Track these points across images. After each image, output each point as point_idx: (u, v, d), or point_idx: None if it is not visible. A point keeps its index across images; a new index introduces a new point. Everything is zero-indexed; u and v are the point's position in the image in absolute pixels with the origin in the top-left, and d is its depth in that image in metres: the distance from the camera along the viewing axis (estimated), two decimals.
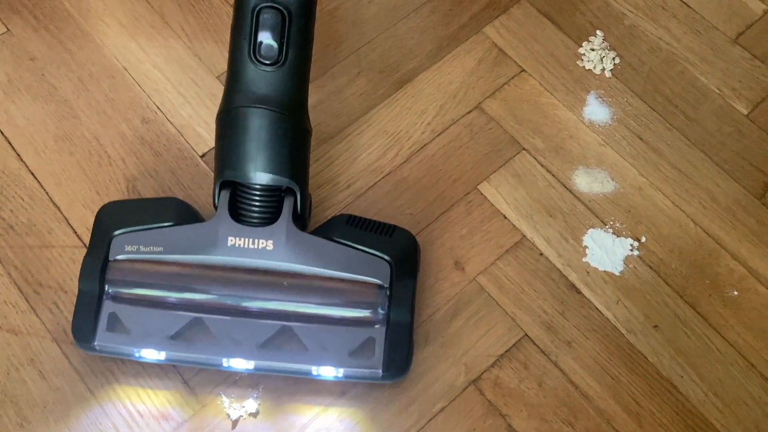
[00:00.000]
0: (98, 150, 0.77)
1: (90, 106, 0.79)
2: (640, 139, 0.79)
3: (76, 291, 0.70)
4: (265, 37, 0.64)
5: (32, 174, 0.75)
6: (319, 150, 0.78)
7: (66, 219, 0.73)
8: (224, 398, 0.65)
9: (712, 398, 0.67)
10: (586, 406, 0.67)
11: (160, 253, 0.65)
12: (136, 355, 0.65)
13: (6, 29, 0.82)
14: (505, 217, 0.75)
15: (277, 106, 0.64)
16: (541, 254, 0.73)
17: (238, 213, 0.66)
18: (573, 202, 0.76)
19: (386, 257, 0.65)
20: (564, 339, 0.69)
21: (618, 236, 0.74)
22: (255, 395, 0.65)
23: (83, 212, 0.73)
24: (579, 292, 0.71)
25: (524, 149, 0.78)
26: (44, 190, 0.75)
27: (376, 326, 0.65)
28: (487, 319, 0.70)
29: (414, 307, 0.65)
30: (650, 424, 0.66)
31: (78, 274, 0.70)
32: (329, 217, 0.70)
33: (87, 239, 0.72)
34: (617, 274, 0.72)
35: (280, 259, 0.64)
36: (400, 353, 0.64)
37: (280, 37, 0.64)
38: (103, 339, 0.64)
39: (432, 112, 0.80)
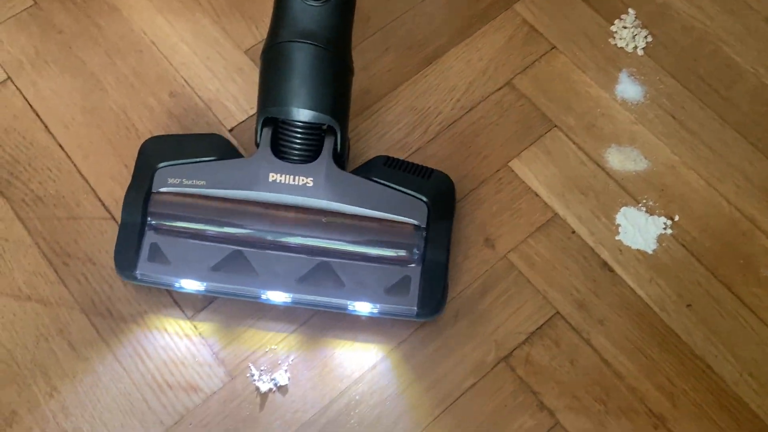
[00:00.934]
0: (126, 123, 0.76)
1: (117, 79, 0.78)
2: (673, 117, 0.78)
3: (104, 263, 0.70)
4: None
5: (60, 146, 0.75)
6: (348, 126, 0.77)
7: (94, 191, 0.73)
8: (253, 370, 0.65)
9: (747, 378, 0.66)
10: (619, 384, 0.66)
11: (202, 186, 0.66)
12: (176, 285, 0.66)
13: (34, 2, 0.82)
14: (537, 195, 0.74)
15: (322, 42, 0.64)
16: (573, 232, 0.72)
17: (279, 149, 0.66)
18: (605, 180, 0.75)
19: (423, 198, 0.66)
20: (596, 317, 0.68)
21: (651, 214, 0.73)
22: (285, 368, 0.65)
23: (111, 184, 0.73)
24: (611, 270, 0.70)
25: (556, 126, 0.77)
26: (72, 162, 0.74)
27: (412, 265, 0.65)
28: (517, 296, 0.69)
29: (450, 248, 0.66)
30: (684, 403, 0.65)
31: (107, 246, 0.70)
32: (367, 160, 0.70)
33: (115, 211, 0.72)
34: (650, 252, 0.71)
35: (319, 197, 0.65)
36: (434, 292, 0.65)
37: None
38: (144, 268, 0.65)
39: (461, 88, 0.79)
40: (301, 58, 0.64)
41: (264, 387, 0.64)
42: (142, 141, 0.76)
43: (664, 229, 0.72)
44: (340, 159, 0.67)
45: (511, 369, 0.66)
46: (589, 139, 0.76)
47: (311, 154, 0.66)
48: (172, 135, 0.72)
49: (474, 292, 0.69)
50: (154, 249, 0.66)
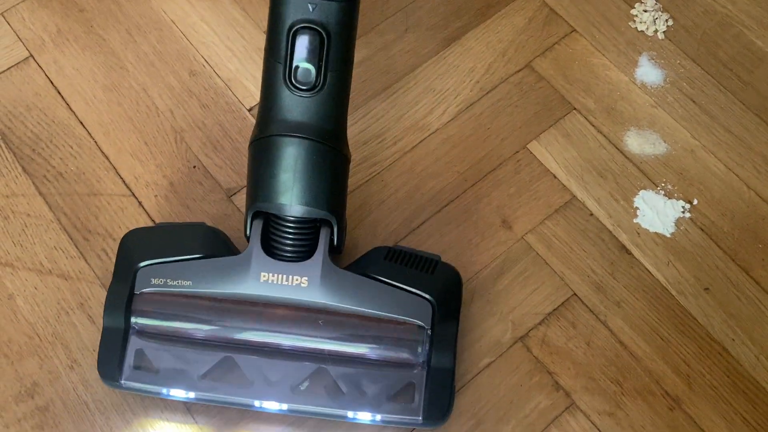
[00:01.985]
0: (146, 101, 0.77)
1: (138, 57, 0.79)
2: (693, 101, 0.78)
3: None
4: (302, 61, 0.59)
5: (81, 123, 0.76)
6: (366, 106, 0.77)
7: (114, 168, 0.74)
8: None
9: (764, 362, 0.66)
10: (635, 366, 0.66)
11: (188, 287, 0.61)
12: (164, 393, 0.62)
13: None
14: (555, 177, 0.74)
15: (313, 134, 0.59)
16: (591, 214, 0.72)
17: (271, 245, 0.62)
18: (624, 163, 0.74)
19: (428, 296, 0.61)
20: (613, 299, 0.68)
21: (669, 198, 0.73)
22: None
23: (131, 162, 0.74)
24: (629, 253, 0.70)
25: (575, 109, 0.77)
26: (93, 139, 0.75)
27: (416, 370, 0.61)
28: (534, 277, 0.69)
29: (456, 351, 0.61)
30: (700, 385, 0.65)
31: (127, 222, 0.71)
32: (366, 252, 0.65)
33: (135, 188, 0.73)
34: (668, 235, 0.71)
35: (315, 297, 0.61)
36: (441, 400, 0.60)
37: (317, 61, 0.59)
38: (130, 377, 0.61)
39: (480, 70, 0.79)
40: (293, 153, 0.59)
41: None
42: (162, 119, 0.76)
43: (683, 212, 0.72)
44: (337, 249, 0.64)
45: (527, 349, 0.66)
46: (608, 122, 0.76)
47: (305, 250, 0.61)
48: (154, 227, 0.67)
49: (491, 273, 0.69)
50: (139, 355, 0.62)
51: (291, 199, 0.60)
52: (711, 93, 0.78)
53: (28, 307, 0.67)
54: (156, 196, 0.72)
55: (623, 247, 0.71)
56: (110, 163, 0.74)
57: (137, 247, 0.64)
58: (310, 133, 0.60)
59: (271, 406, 0.61)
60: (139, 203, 0.72)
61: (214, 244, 0.64)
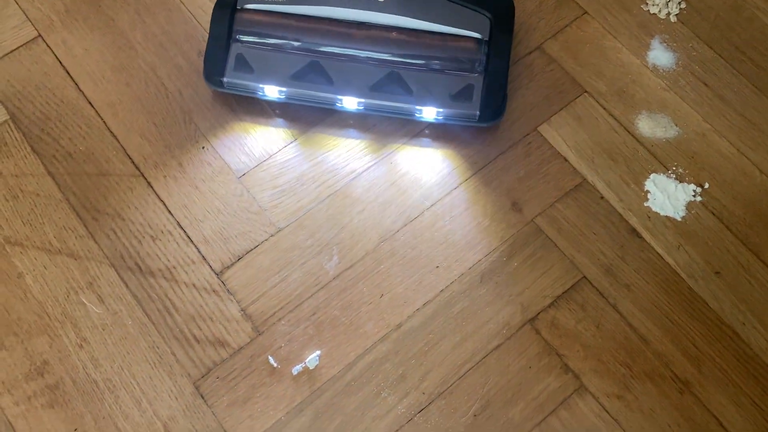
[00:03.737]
0: (155, 81, 0.76)
1: (146, 38, 0.79)
2: (706, 85, 0.77)
3: (132, 218, 0.70)
4: None
5: (90, 104, 0.76)
6: None
7: (123, 148, 0.73)
8: (273, 361, 0.66)
9: None
10: (644, 349, 0.66)
11: (283, 3, 0.72)
12: (260, 93, 0.73)
13: None
14: (566, 160, 0.73)
15: None
16: (602, 198, 0.72)
17: None
18: (635, 146, 0.74)
19: (486, 13, 0.72)
20: (623, 282, 0.68)
21: (681, 182, 0.72)
22: (312, 343, 0.66)
23: (140, 142, 0.74)
24: (639, 236, 0.70)
25: (586, 92, 0.76)
26: (101, 119, 0.75)
27: (475, 74, 0.72)
28: (544, 260, 0.69)
29: (509, 60, 0.72)
30: (710, 369, 0.65)
31: (136, 202, 0.71)
32: None
33: (144, 168, 0.72)
34: (679, 219, 0.71)
35: (389, 11, 0.72)
36: (495, 98, 0.71)
37: None
38: (231, 76, 0.72)
39: None
40: None
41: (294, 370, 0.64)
42: (171, 100, 0.76)
43: (694, 196, 0.72)
44: None
45: (536, 331, 0.66)
46: (619, 105, 0.76)
47: None
48: None
49: (501, 255, 0.69)
50: (240, 59, 0.72)
51: None
52: (723, 76, 0.78)
53: (38, 286, 0.67)
54: (165, 176, 0.72)
55: (633, 231, 0.70)
56: (119, 143, 0.74)
57: None
58: None
59: (350, 103, 0.73)
60: (148, 183, 0.72)
61: None
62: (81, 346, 0.65)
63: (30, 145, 0.73)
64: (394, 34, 0.72)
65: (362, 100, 0.72)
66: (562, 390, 0.64)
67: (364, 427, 0.63)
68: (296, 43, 0.72)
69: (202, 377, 0.64)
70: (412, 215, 0.71)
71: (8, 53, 0.77)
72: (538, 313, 0.67)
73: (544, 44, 0.78)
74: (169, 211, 0.70)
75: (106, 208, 0.71)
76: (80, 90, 0.76)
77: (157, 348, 0.65)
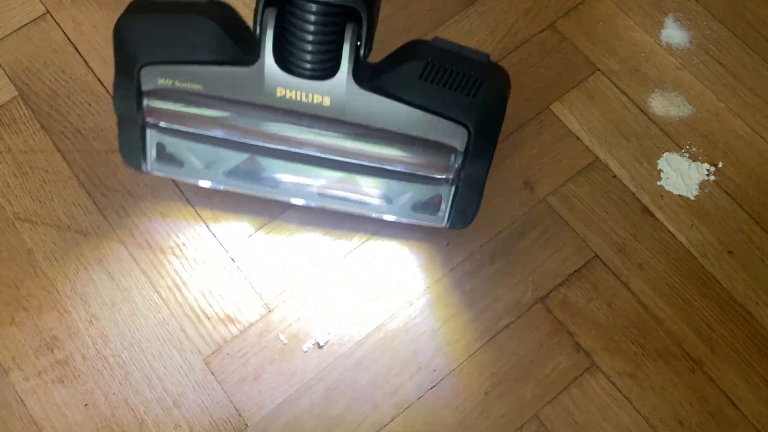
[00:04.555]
0: None
1: None
2: (720, 63, 0.76)
3: (142, 195, 0.70)
4: None
5: (99, 80, 0.75)
6: None
7: None
8: (282, 338, 0.65)
9: None
10: (656, 327, 0.65)
11: (198, 91, 0.55)
12: (191, 182, 0.61)
13: None
14: (578, 138, 0.73)
15: None
16: (614, 176, 0.71)
17: (285, 53, 0.53)
18: (648, 125, 0.73)
19: (466, 122, 0.55)
20: (635, 261, 0.68)
21: (694, 161, 0.71)
22: (321, 315, 0.65)
23: None
24: (652, 215, 0.70)
25: (599, 70, 0.75)
26: (111, 96, 0.75)
27: (445, 186, 0.59)
28: (556, 239, 0.69)
29: (490, 164, 0.58)
30: (722, 348, 0.65)
31: (146, 180, 0.70)
32: (400, 52, 0.57)
33: None
34: (692, 198, 0.70)
35: (337, 116, 0.55)
36: (465, 214, 0.60)
37: None
38: (155, 168, 0.61)
39: (503, 30, 0.77)
40: None
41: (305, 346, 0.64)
42: None
43: (707, 175, 0.71)
44: (365, 55, 0.54)
45: (547, 310, 0.66)
46: (632, 84, 0.75)
47: (326, 61, 0.53)
48: (152, 10, 0.56)
49: (512, 233, 0.69)
50: (161, 149, 0.59)
51: None
52: (738, 55, 0.77)
53: (48, 262, 0.67)
54: None
55: (646, 210, 0.70)
56: None
57: (137, 40, 0.55)
58: None
59: (299, 203, 0.61)
60: None
61: (222, 44, 0.54)
62: (91, 323, 0.65)
63: (39, 122, 0.73)
64: (352, 131, 0.57)
65: (312, 202, 0.60)
66: (574, 368, 0.64)
67: (374, 404, 0.63)
68: (225, 136, 0.57)
69: (213, 354, 0.64)
70: None
71: (16, 30, 0.76)
72: (550, 292, 0.66)
73: (557, 22, 0.77)
74: (179, 188, 0.70)
75: (116, 185, 0.70)
76: (89, 67, 0.75)
77: (167, 324, 0.65)
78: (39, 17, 0.77)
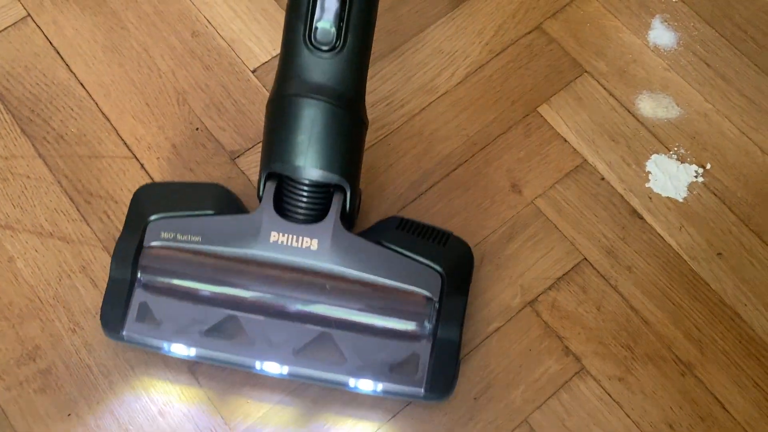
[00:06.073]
0: (147, 62, 0.75)
1: (138, 17, 0.77)
2: (707, 65, 0.76)
3: (126, 201, 0.69)
4: (322, 20, 0.58)
5: (81, 85, 0.74)
6: (374, 68, 0.75)
7: (115, 130, 0.72)
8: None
9: None
10: (646, 331, 0.65)
11: (197, 243, 0.61)
12: (166, 348, 0.61)
13: None
14: (566, 141, 0.72)
15: (332, 98, 0.59)
16: (603, 179, 0.71)
17: (283, 206, 0.61)
18: (636, 126, 0.73)
19: (438, 268, 0.60)
20: (624, 264, 0.67)
21: (682, 162, 0.71)
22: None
23: (133, 123, 0.72)
24: (641, 217, 0.69)
25: (586, 72, 0.75)
26: (93, 100, 0.73)
27: (422, 341, 0.60)
28: (544, 242, 0.68)
29: (463, 325, 0.60)
30: (712, 351, 0.64)
31: (129, 185, 0.70)
32: (378, 221, 0.65)
33: (137, 150, 0.71)
34: (680, 200, 0.70)
35: (323, 260, 0.60)
36: (445, 373, 0.59)
37: (338, 21, 0.58)
38: (132, 329, 0.61)
39: (490, 31, 0.77)
40: (310, 115, 0.58)
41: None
42: (164, 80, 0.75)
43: (696, 177, 0.71)
44: (349, 219, 0.62)
45: (536, 314, 0.65)
46: (620, 85, 0.75)
47: (317, 214, 0.61)
48: (167, 183, 0.68)
49: (500, 237, 0.68)
50: (143, 309, 0.61)
51: (306, 162, 0.59)
52: (725, 56, 0.77)
53: (29, 269, 0.66)
54: (158, 158, 0.71)
55: (635, 212, 0.70)
56: (111, 124, 0.72)
57: (150, 200, 0.64)
58: (329, 96, 0.59)
59: (272, 368, 0.61)
60: (141, 165, 0.70)
61: (226, 203, 0.64)
62: (74, 331, 0.64)
63: (20, 127, 0.72)
64: (328, 284, 0.60)
65: (285, 367, 0.60)
66: (563, 373, 0.63)
67: (364, 412, 0.62)
68: (212, 290, 0.60)
69: (197, 361, 0.63)
70: (410, 198, 0.69)
71: None
72: (539, 295, 0.66)
73: (544, 23, 0.77)
74: None
75: (99, 190, 0.69)
76: (71, 71, 0.74)
77: None
78: (20, 20, 0.76)
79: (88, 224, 0.68)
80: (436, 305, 0.60)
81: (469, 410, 0.62)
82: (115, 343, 0.64)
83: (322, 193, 0.61)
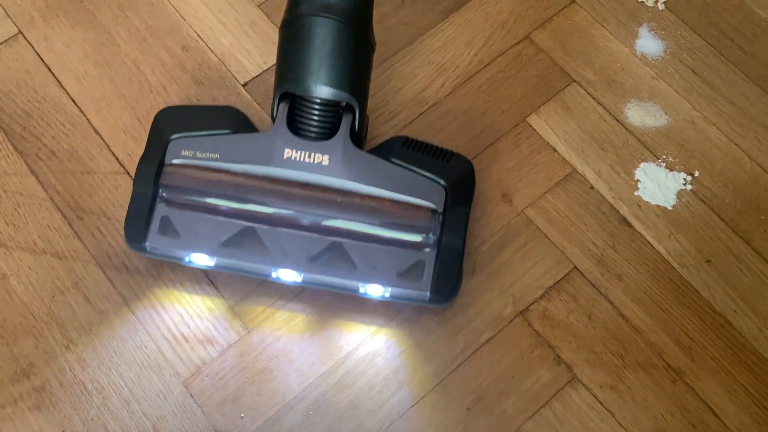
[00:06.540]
0: (138, 77, 0.75)
1: (129, 32, 0.77)
2: (694, 72, 0.77)
3: (118, 217, 0.69)
4: None
5: (73, 100, 0.74)
6: None
7: (107, 145, 0.72)
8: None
9: (766, 333, 0.65)
10: (637, 338, 0.65)
11: (216, 160, 0.64)
12: (186, 259, 0.65)
13: None
14: (555, 150, 0.73)
15: (343, 16, 0.62)
16: (592, 188, 0.71)
17: (295, 125, 0.65)
18: (625, 135, 0.73)
19: (442, 182, 0.64)
20: (614, 272, 0.68)
21: (671, 170, 0.72)
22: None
23: (124, 139, 0.72)
24: (630, 225, 0.70)
25: (575, 81, 0.76)
26: (85, 116, 0.74)
27: (427, 250, 0.64)
28: (535, 251, 0.69)
29: (466, 234, 0.64)
30: (702, 357, 0.65)
31: (121, 200, 0.70)
32: (383, 140, 0.68)
33: (129, 165, 0.71)
34: (669, 208, 0.70)
35: (334, 175, 0.64)
36: (448, 278, 0.63)
37: None
38: (154, 241, 0.64)
39: (479, 42, 0.77)
40: (322, 34, 0.62)
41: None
42: (155, 95, 0.75)
43: (684, 184, 0.71)
44: (358, 138, 0.66)
45: (528, 323, 0.66)
46: (608, 94, 0.75)
47: (328, 131, 0.64)
48: (187, 105, 0.71)
49: (491, 247, 0.69)
50: (164, 222, 0.64)
51: (317, 80, 0.62)
52: (712, 64, 0.77)
53: (22, 287, 0.66)
54: None
55: (624, 220, 0.70)
56: (103, 140, 0.73)
57: (170, 121, 0.67)
58: (340, 15, 0.62)
59: (287, 275, 0.64)
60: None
61: (243, 124, 0.68)
62: (68, 347, 0.64)
63: (12, 144, 0.72)
64: (339, 198, 0.64)
65: (300, 274, 0.64)
66: (555, 382, 0.64)
67: (357, 423, 0.62)
68: (229, 204, 0.64)
69: (192, 376, 0.63)
70: None
71: None
72: (530, 305, 0.66)
73: (532, 33, 0.78)
74: None
75: (91, 206, 0.69)
76: (62, 87, 0.75)
77: (145, 347, 0.64)
78: (11, 38, 0.76)
79: (80, 240, 0.68)
80: (441, 216, 0.64)
81: (462, 421, 0.62)
82: (109, 360, 0.64)
83: (333, 110, 0.65)
